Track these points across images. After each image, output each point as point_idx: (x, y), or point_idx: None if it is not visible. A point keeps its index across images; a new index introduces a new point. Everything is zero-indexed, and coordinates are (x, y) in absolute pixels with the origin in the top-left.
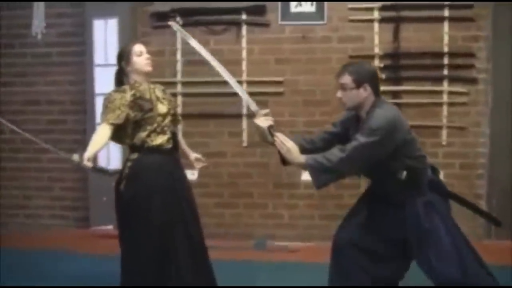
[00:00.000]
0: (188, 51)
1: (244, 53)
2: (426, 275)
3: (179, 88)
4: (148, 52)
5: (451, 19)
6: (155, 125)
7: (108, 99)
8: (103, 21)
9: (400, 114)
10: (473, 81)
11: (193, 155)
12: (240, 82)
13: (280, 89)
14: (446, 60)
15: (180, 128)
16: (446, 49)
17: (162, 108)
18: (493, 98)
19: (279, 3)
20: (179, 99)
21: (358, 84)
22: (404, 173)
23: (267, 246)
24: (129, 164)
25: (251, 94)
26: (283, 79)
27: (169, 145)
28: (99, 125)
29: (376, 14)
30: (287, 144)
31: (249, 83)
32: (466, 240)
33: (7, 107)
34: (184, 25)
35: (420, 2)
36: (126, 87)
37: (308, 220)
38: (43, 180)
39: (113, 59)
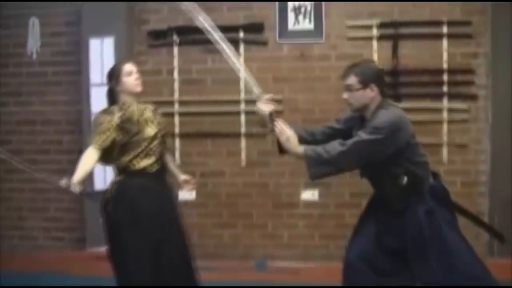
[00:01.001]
0: (186, 70)
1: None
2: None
3: (176, 107)
4: (145, 71)
5: (450, 36)
6: (140, 149)
7: (96, 122)
8: (99, 40)
9: (406, 117)
10: (473, 97)
11: (181, 177)
12: (238, 101)
13: (279, 108)
14: (445, 77)
15: (174, 147)
16: (445, 66)
17: (149, 131)
18: (493, 115)
19: (277, 21)
20: (176, 118)
21: (365, 84)
22: (405, 178)
23: (266, 266)
24: (114, 186)
25: (249, 113)
26: (281, 98)
27: (154, 168)
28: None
29: (374, 32)
30: (287, 132)
31: (247, 102)
32: (471, 251)
33: (2, 127)
34: (181, 44)
35: (419, 19)
36: (115, 108)
37: (308, 240)
38: (38, 201)
39: None
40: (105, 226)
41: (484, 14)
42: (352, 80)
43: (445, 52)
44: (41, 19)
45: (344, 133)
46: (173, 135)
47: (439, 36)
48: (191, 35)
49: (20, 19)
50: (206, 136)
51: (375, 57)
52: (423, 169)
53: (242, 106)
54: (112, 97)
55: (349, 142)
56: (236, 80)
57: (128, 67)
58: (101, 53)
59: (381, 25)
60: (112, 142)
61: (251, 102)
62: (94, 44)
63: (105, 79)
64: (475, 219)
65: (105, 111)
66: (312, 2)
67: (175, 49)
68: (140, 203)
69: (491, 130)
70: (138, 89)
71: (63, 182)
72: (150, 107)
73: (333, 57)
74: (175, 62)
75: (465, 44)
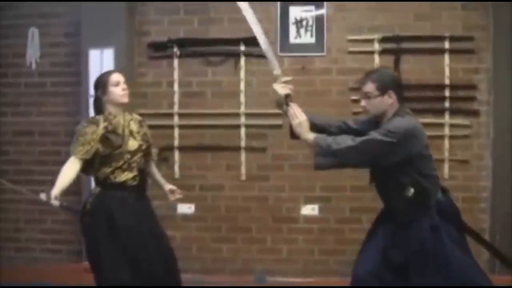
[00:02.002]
0: (186, 82)
1: (242, 85)
2: None
3: (176, 120)
4: (145, 83)
5: (452, 51)
6: (122, 161)
7: (79, 132)
8: (99, 51)
9: (421, 127)
10: (474, 113)
11: (167, 187)
12: (238, 115)
13: (279, 122)
14: (447, 92)
15: (173, 160)
16: (447, 81)
17: (133, 144)
18: (495, 131)
19: (278, 34)
20: (176, 131)
21: (383, 91)
22: (412, 190)
23: (266, 281)
24: (91, 199)
25: (249, 126)
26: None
27: (134, 182)
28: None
29: (376, 46)
30: (300, 117)
31: (248, 115)
32: (477, 270)
33: (0, 137)
34: (181, 56)
35: (421, 34)
36: (100, 118)
37: (307, 255)
38: (35, 212)
39: None
40: (84, 238)
41: (486, 30)
42: (370, 87)
43: (447, 67)
44: (41, 29)
45: (358, 134)
46: (172, 148)
47: (441, 51)
48: (192, 48)
49: (19, 29)
50: (206, 149)
51: None
52: (431, 183)
53: (242, 120)
54: (98, 106)
55: (361, 139)
56: (236, 93)
57: (115, 77)
58: (100, 64)
59: (383, 40)
60: (95, 153)
61: (251, 115)
62: (94, 55)
63: None
64: (483, 241)
65: (90, 121)
66: (314, 16)
67: (176, 61)
68: (118, 217)
69: (492, 146)
70: (125, 100)
71: (42, 195)
72: (136, 119)
73: (334, 71)
74: (175, 74)
75: (467, 59)
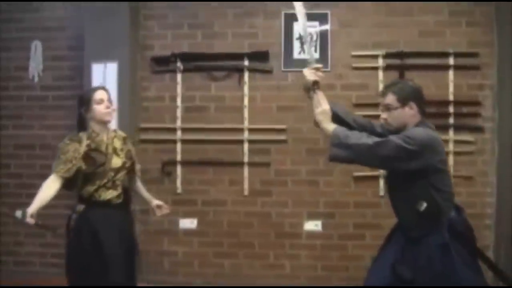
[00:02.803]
0: (189, 97)
1: (246, 100)
2: None
3: (178, 134)
4: (148, 97)
5: (456, 67)
6: (106, 179)
7: (61, 149)
8: (102, 65)
9: (440, 142)
10: (479, 129)
11: (154, 202)
12: (241, 130)
13: (283, 137)
14: (451, 109)
15: (176, 175)
16: (451, 98)
17: (116, 161)
18: (499, 147)
19: (282, 49)
20: (179, 145)
21: (403, 102)
22: (424, 204)
23: None
24: (74, 216)
25: (252, 141)
26: (286, 127)
27: (119, 200)
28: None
29: (380, 62)
30: (323, 106)
31: (251, 130)
32: None
33: (1, 150)
34: (184, 70)
35: (425, 50)
36: (83, 135)
37: (310, 271)
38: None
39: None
40: (66, 253)
41: (490, 46)
42: (391, 99)
43: (451, 84)
44: (44, 42)
45: (380, 137)
46: (175, 162)
47: (445, 68)
48: (195, 62)
49: (22, 42)
50: (209, 164)
51: (381, 87)
52: (445, 199)
53: (246, 135)
54: (82, 123)
55: (379, 139)
56: (240, 108)
57: (99, 94)
58: (103, 78)
59: (387, 56)
60: (77, 171)
61: (254, 130)
62: (97, 69)
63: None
64: (494, 268)
65: (72, 138)
66: (318, 31)
67: (179, 76)
68: (102, 235)
69: (497, 163)
70: (108, 118)
71: (18, 213)
72: (120, 136)
73: (338, 86)
74: (178, 89)
75: (471, 75)
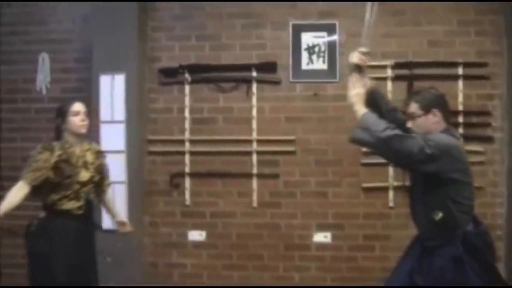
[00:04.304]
0: (197, 108)
1: (254, 111)
2: None
3: (187, 146)
4: (156, 109)
5: (465, 77)
6: (70, 191)
7: (33, 157)
8: (110, 77)
9: (462, 151)
10: (489, 139)
11: (118, 218)
12: (250, 141)
13: (291, 148)
14: (461, 119)
15: (184, 187)
16: (461, 108)
17: (84, 175)
18: (510, 157)
19: (290, 60)
20: (187, 157)
21: (426, 110)
22: (440, 214)
23: None
24: (35, 222)
25: (261, 153)
26: (294, 138)
27: (80, 212)
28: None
29: (389, 72)
30: (358, 89)
31: (260, 141)
32: None
33: (8, 162)
34: (192, 82)
35: (434, 60)
36: (56, 145)
37: (320, 283)
38: None
39: (120, 116)
40: (26, 257)
41: (499, 56)
42: (414, 107)
43: (460, 94)
44: (51, 55)
45: None
46: (183, 174)
47: (454, 77)
48: (203, 74)
49: (29, 54)
50: (217, 176)
51: (390, 97)
52: (461, 211)
53: (254, 146)
54: (57, 134)
55: (402, 133)
56: (248, 119)
57: (76, 107)
58: (111, 90)
59: (396, 66)
60: (45, 180)
61: (263, 142)
62: (105, 81)
63: (115, 116)
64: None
65: (45, 147)
66: (326, 42)
67: (187, 87)
68: (58, 244)
69: (507, 173)
70: (82, 130)
71: None
72: (94, 149)
73: (347, 97)
74: (186, 101)
75: (480, 85)
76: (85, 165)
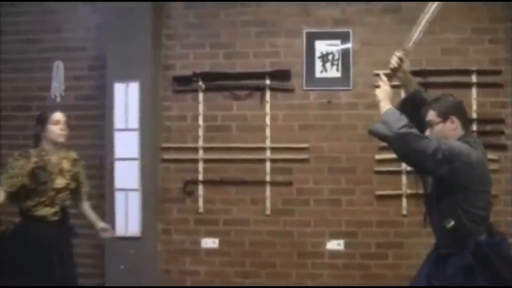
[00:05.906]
0: (210, 116)
1: (268, 119)
2: None
3: (200, 154)
4: (170, 116)
5: (479, 85)
6: (45, 198)
7: (10, 164)
8: (124, 85)
9: (479, 160)
10: (502, 147)
11: (99, 225)
12: (263, 149)
13: (305, 156)
14: (474, 127)
15: (197, 194)
16: (474, 116)
17: (59, 182)
18: None
19: (304, 68)
20: (201, 164)
21: (444, 117)
22: (452, 222)
23: None
24: (11, 226)
25: (274, 161)
26: (308, 146)
27: (54, 218)
28: None
29: None
30: (386, 87)
31: (273, 149)
32: None
33: None
34: (206, 90)
35: (447, 68)
36: (33, 152)
37: None
38: None
39: (134, 124)
40: None
41: None
42: (431, 115)
43: (474, 101)
44: (66, 62)
45: None
46: (196, 182)
47: (468, 85)
48: (217, 81)
49: (44, 62)
50: (231, 184)
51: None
52: (472, 221)
53: (268, 154)
54: (36, 141)
55: (419, 133)
56: (262, 127)
57: (56, 116)
58: (125, 97)
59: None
60: (21, 186)
61: (276, 149)
62: (119, 89)
63: (129, 124)
64: None
65: (22, 154)
66: (340, 50)
67: (200, 95)
68: (32, 249)
69: None
70: (61, 139)
71: None
72: (71, 157)
73: (360, 105)
74: (200, 108)
75: (494, 93)
76: (61, 172)
